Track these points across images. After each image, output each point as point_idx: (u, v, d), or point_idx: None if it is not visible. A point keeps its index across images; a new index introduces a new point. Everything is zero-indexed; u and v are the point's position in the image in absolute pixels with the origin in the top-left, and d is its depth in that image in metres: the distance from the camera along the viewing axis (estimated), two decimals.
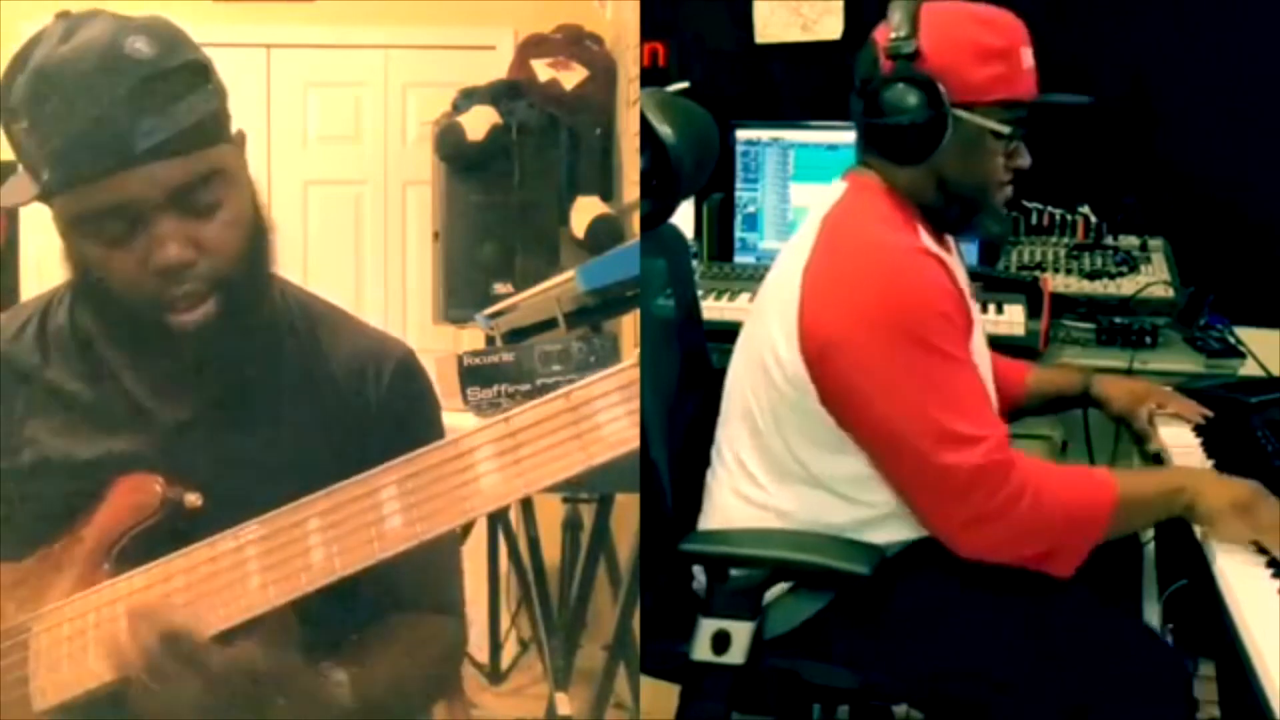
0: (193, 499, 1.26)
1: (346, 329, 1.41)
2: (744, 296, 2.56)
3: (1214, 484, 1.59)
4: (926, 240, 1.66)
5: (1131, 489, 1.59)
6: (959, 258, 1.81)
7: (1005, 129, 1.64)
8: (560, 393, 1.09)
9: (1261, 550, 1.49)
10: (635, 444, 1.08)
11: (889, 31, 1.63)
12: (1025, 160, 1.69)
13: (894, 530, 1.67)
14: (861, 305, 1.57)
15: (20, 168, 1.24)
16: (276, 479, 1.27)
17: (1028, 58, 1.66)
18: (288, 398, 1.34)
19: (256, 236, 1.30)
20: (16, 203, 1.25)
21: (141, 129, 1.17)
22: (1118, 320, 2.43)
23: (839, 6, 3.03)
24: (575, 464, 1.09)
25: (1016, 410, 2.06)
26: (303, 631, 1.18)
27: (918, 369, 1.55)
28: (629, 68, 3.53)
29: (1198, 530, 1.56)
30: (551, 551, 3.12)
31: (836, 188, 1.74)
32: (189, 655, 1.12)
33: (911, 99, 1.61)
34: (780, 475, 1.71)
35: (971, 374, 1.61)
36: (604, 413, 1.08)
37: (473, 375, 2.32)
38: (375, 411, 1.36)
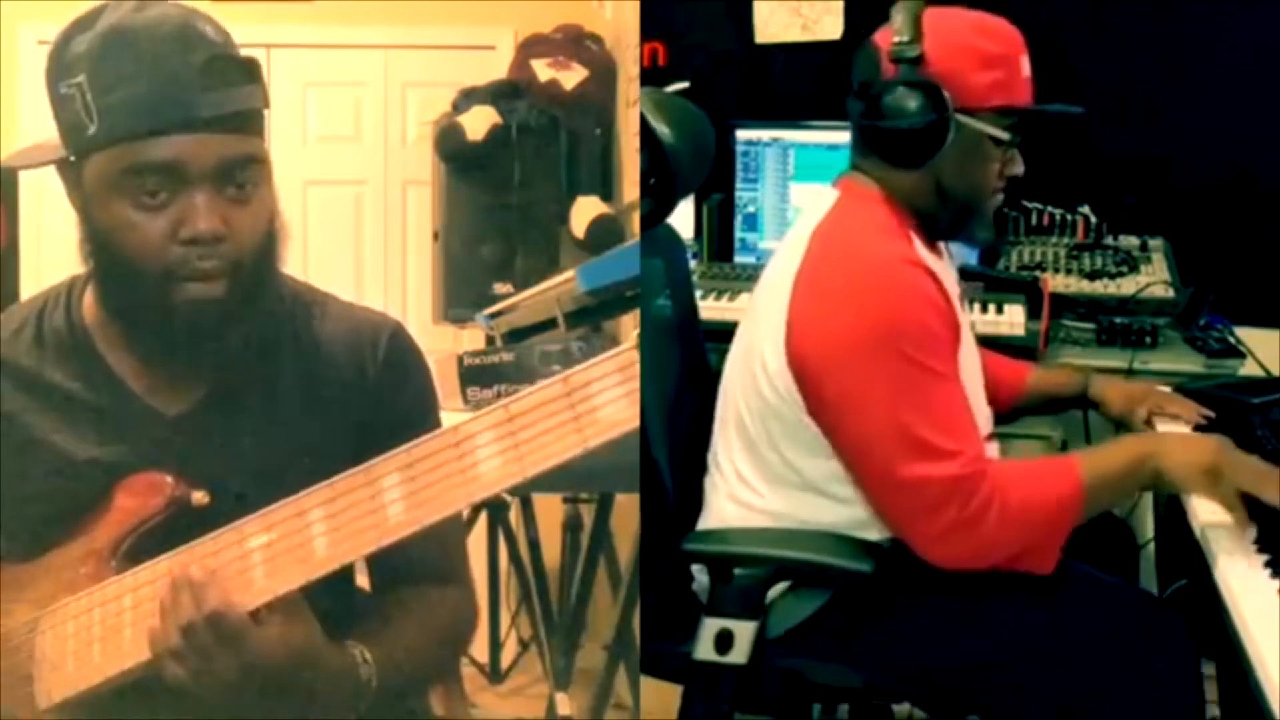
0: (199, 496, 1.27)
1: (337, 311, 1.45)
2: (744, 296, 2.56)
3: (1178, 448, 1.59)
4: (919, 249, 1.66)
5: (1096, 470, 1.59)
6: (950, 262, 1.82)
7: (1004, 135, 1.66)
8: (558, 377, 1.11)
9: (1261, 549, 1.48)
10: (633, 425, 1.09)
11: (892, 35, 1.63)
12: (1019, 168, 1.71)
13: (886, 528, 1.67)
14: (847, 319, 1.58)
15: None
16: (279, 468, 1.29)
17: (1025, 66, 1.67)
18: (286, 386, 1.36)
19: (274, 233, 1.33)
20: (35, 163, 1.30)
21: (208, 99, 1.23)
22: (1118, 320, 2.43)
23: (839, 6, 3.04)
24: (572, 447, 1.10)
25: (1015, 410, 2.07)
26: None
27: (899, 382, 1.55)
28: (629, 68, 3.53)
29: (1197, 530, 1.56)
30: (551, 551, 3.12)
31: (829, 195, 1.73)
32: (230, 632, 1.15)
33: (915, 103, 1.61)
34: (774, 481, 1.71)
35: (954, 389, 1.61)
36: (601, 395, 1.09)
37: (473, 375, 2.32)
38: (373, 383, 1.39)
